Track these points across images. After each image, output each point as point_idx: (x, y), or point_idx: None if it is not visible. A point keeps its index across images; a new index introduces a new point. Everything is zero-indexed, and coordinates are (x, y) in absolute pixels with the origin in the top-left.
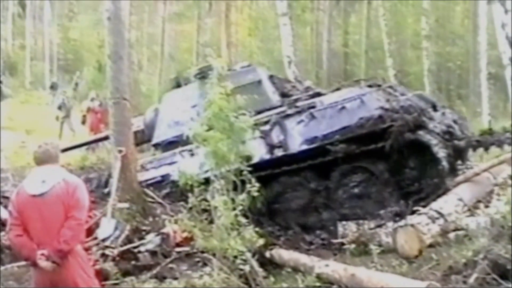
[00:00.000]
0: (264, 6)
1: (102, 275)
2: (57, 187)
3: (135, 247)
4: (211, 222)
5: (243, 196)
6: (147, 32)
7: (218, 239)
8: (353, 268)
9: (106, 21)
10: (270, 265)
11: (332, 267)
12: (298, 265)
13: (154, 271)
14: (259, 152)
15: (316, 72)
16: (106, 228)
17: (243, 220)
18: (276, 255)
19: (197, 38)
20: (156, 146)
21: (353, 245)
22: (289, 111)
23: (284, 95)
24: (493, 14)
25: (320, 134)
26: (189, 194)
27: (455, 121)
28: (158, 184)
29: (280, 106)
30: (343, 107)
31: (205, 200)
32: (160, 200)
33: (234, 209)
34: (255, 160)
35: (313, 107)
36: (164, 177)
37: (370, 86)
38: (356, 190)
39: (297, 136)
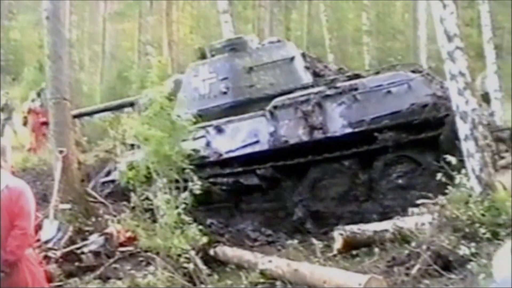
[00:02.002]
0: (206, 3)
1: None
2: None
3: (78, 248)
4: (154, 221)
5: (185, 194)
6: (88, 31)
7: (161, 238)
8: (296, 264)
9: (44, 20)
10: (214, 263)
11: (276, 263)
12: (242, 262)
13: (98, 272)
14: (295, 133)
15: None
16: (48, 230)
17: (186, 218)
18: (220, 253)
19: (139, 37)
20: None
21: (296, 241)
22: (329, 92)
23: (316, 74)
24: (432, 9)
25: (367, 117)
26: (132, 194)
27: (491, 114)
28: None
29: (312, 85)
30: (389, 91)
31: (148, 199)
32: (102, 200)
33: (177, 207)
34: (293, 141)
35: (356, 89)
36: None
37: (413, 71)
38: (400, 181)
39: (338, 119)
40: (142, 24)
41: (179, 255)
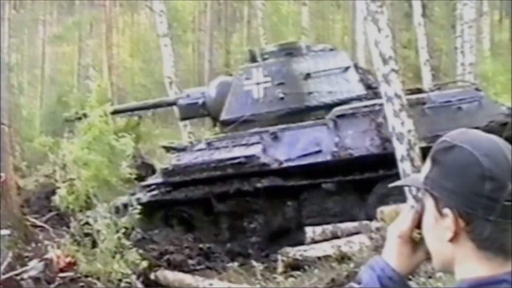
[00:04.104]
0: (145, 27)
1: None
2: None
3: (17, 274)
4: (95, 246)
5: (125, 218)
6: (27, 55)
7: (102, 263)
8: (236, 286)
9: None
10: (155, 287)
11: (216, 286)
12: (183, 286)
13: None
14: (362, 144)
15: None
16: None
17: (126, 242)
18: (161, 277)
19: (78, 60)
20: (225, 123)
21: (236, 264)
22: None
23: (368, 86)
24: (367, 32)
25: (442, 132)
26: (71, 219)
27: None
28: (241, 165)
29: (366, 97)
30: (459, 108)
31: (88, 223)
32: (42, 224)
33: (117, 232)
34: (358, 153)
35: (423, 103)
36: (249, 158)
37: (477, 89)
38: None
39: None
40: (82, 47)
41: (120, 280)
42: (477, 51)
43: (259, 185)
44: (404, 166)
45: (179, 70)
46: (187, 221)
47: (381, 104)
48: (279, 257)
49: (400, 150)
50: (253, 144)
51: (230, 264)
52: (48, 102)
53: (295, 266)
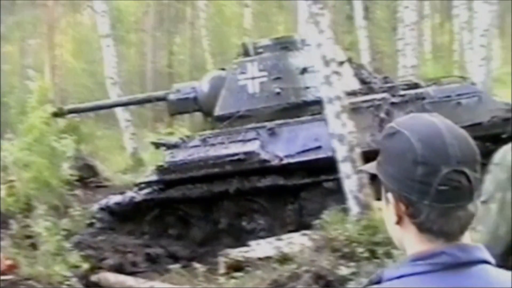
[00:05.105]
0: (88, 27)
1: None
2: None
3: None
4: (35, 248)
5: (65, 220)
6: None
7: (42, 266)
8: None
9: None
10: None
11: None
12: None
13: None
14: (363, 140)
15: (140, 94)
16: None
17: (66, 244)
18: (103, 279)
19: (20, 60)
20: (219, 118)
21: (178, 265)
22: (394, 100)
23: (362, 81)
24: (309, 34)
25: None
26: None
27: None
28: (240, 162)
29: (361, 92)
30: (459, 103)
31: (28, 226)
32: None
33: (57, 234)
34: (363, 148)
35: (423, 98)
36: (248, 154)
37: (473, 83)
38: None
39: None
40: (23, 47)
41: (61, 283)
42: (418, 54)
43: (260, 184)
44: (345, 167)
45: (121, 70)
46: (183, 220)
47: (380, 99)
48: (221, 258)
49: (341, 151)
50: (250, 140)
51: (172, 266)
52: None
53: (237, 267)
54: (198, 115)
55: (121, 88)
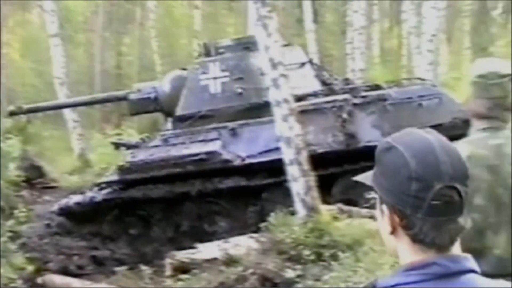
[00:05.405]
0: (37, 26)
1: None
2: None
3: None
4: None
5: (11, 222)
6: None
7: None
8: None
9: None
10: None
11: None
12: None
13: None
14: (325, 140)
15: (89, 94)
16: None
17: (12, 246)
18: (48, 281)
19: None
20: (181, 118)
21: (124, 267)
22: (356, 101)
23: (323, 83)
24: (257, 37)
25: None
26: None
27: None
28: (202, 162)
29: (322, 93)
30: (420, 104)
31: None
32: None
33: (2, 235)
34: (322, 149)
35: (385, 99)
36: (210, 154)
37: (434, 85)
38: None
39: (370, 128)
40: None
41: (6, 285)
42: (367, 57)
43: (221, 185)
44: (292, 170)
45: (70, 71)
46: (144, 220)
47: (342, 100)
48: (167, 260)
49: (288, 154)
50: (211, 140)
51: (118, 268)
52: None
53: (183, 269)
54: (147, 116)
55: (69, 89)
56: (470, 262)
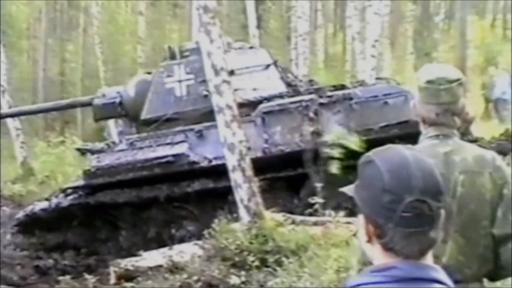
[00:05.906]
0: None
1: None
2: None
3: None
4: None
5: None
6: None
7: None
8: None
9: None
10: None
11: None
12: None
13: None
14: (292, 140)
15: (32, 101)
16: None
17: None
18: None
19: None
20: (146, 122)
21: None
22: (322, 100)
23: (288, 84)
24: (200, 43)
25: (376, 126)
26: None
27: None
28: (169, 164)
29: (287, 94)
30: (386, 102)
31: None
32: None
33: None
34: (289, 149)
35: (350, 98)
36: (177, 156)
37: (398, 84)
38: None
39: (337, 127)
40: None
41: None
42: (311, 63)
43: (189, 189)
44: (235, 176)
45: (12, 78)
46: (112, 223)
47: (308, 100)
48: (111, 268)
49: (231, 160)
50: (178, 142)
51: (62, 278)
52: None
53: (128, 277)
54: (91, 124)
55: (11, 96)
56: (438, 272)
